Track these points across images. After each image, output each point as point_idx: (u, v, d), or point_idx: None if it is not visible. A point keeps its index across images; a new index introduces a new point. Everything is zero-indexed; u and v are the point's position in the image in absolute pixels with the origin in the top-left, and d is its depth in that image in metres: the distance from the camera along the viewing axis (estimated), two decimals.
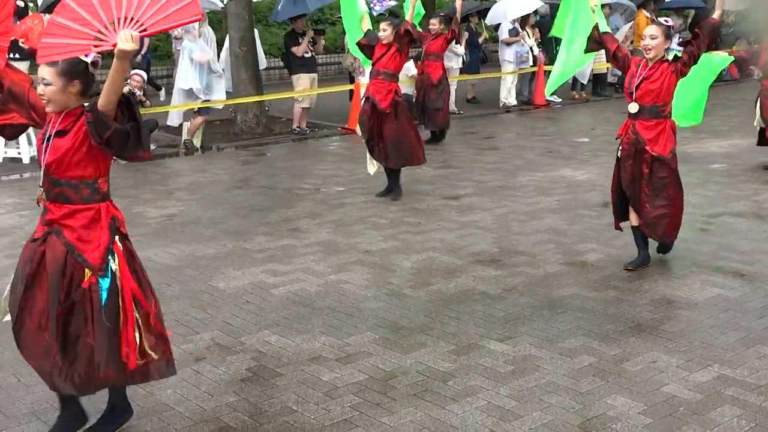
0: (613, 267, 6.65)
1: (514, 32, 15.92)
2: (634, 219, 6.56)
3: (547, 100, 16.03)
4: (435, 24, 12.74)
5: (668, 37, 6.22)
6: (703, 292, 6.06)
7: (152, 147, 12.11)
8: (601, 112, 15.64)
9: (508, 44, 15.98)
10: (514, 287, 6.25)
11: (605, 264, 6.73)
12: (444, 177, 10.21)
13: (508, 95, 16.10)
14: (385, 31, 9.06)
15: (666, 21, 6.45)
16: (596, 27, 6.61)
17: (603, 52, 6.93)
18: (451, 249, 7.25)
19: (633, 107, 6.27)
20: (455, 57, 15.81)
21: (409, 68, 14.60)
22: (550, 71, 16.28)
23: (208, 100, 12.01)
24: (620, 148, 6.44)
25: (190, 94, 11.79)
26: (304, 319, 5.71)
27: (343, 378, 4.81)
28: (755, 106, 10.19)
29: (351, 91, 14.39)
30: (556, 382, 4.70)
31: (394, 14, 13.46)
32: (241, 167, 11.28)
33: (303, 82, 13.66)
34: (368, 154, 9.18)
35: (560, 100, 16.56)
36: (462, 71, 16.09)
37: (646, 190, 6.34)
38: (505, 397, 4.54)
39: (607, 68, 17.13)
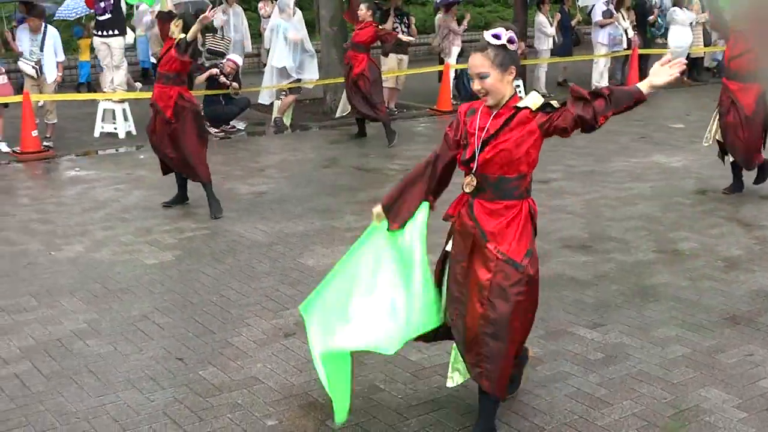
0: (707, 256, 6.47)
1: (608, 14, 15.55)
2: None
3: None
4: (363, 10, 11.10)
5: (503, 65, 3.66)
6: None
7: (243, 125, 12.31)
8: (698, 97, 15.16)
9: (602, 26, 15.65)
10: (605, 274, 6.14)
11: (699, 253, 6.56)
12: None
13: (600, 79, 15.74)
14: (177, 28, 7.19)
15: (495, 36, 3.64)
16: None
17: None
18: (540, 233, 7.08)
19: (469, 183, 3.92)
20: (545, 38, 15.60)
21: None
22: (645, 55, 15.96)
23: (300, 80, 12.10)
24: (450, 236, 4.13)
25: (283, 72, 11.90)
26: None
27: (431, 359, 4.81)
28: (713, 118, 8.28)
29: (440, 72, 14.32)
30: (647, 372, 4.61)
31: None
32: (330, 146, 11.35)
33: (389, 62, 13.66)
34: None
35: None
36: (553, 53, 15.86)
37: (483, 312, 3.76)
38: (594, 385, 4.48)
39: (704, 52, 16.60)
